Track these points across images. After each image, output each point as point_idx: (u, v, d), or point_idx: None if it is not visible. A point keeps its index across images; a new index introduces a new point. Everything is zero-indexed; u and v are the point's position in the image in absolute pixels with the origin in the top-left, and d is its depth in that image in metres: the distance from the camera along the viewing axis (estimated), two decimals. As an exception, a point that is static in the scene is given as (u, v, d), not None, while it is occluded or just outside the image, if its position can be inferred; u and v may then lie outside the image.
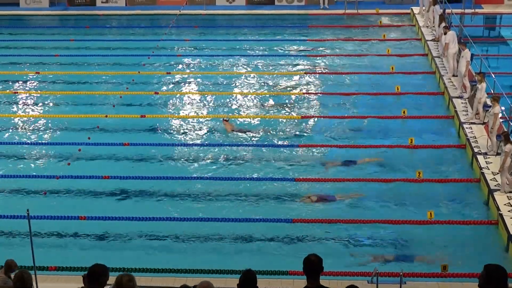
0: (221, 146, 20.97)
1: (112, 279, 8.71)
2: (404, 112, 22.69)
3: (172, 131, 22.29)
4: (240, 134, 21.71)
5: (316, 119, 23.13)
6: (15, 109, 24.60)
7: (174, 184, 18.75)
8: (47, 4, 39.54)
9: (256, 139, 21.65)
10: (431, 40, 29.37)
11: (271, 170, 19.52)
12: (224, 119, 21.83)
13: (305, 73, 27.56)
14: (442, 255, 15.37)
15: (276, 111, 23.96)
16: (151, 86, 26.36)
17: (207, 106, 24.42)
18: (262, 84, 26.55)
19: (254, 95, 25.38)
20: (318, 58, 29.43)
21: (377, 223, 16.60)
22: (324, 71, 27.76)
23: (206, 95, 25.40)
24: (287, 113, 23.70)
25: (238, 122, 22.82)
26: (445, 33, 25.72)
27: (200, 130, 22.38)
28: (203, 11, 37.65)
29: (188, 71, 28.32)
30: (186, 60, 29.80)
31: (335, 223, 16.60)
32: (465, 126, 21.01)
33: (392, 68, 26.94)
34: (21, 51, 31.27)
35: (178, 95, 25.56)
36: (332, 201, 17.71)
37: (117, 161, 20.26)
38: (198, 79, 27.25)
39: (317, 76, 27.28)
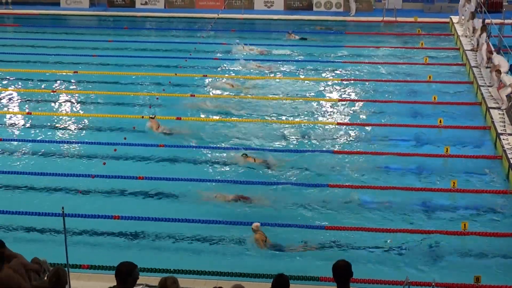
0: (255, 150, 20.97)
1: (143, 279, 8.72)
2: (440, 122, 22.53)
3: (207, 134, 22.31)
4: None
5: (351, 126, 23.03)
6: (52, 107, 24.82)
7: (208, 186, 18.71)
8: (87, 4, 40.02)
9: (290, 145, 21.62)
10: (469, 50, 29.15)
11: (305, 176, 19.48)
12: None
13: (341, 79, 27.49)
14: (475, 265, 15.25)
15: (311, 117, 23.91)
16: (188, 88, 26.45)
17: (242, 110, 24.41)
18: (298, 89, 26.52)
19: (290, 100, 25.36)
20: (354, 65, 29.35)
21: (408, 233, 16.45)
22: (360, 78, 27.67)
23: (241, 99, 25.44)
24: (322, 119, 23.63)
25: (273, 126, 22.85)
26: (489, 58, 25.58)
27: (234, 133, 22.39)
28: (241, 15, 37.80)
29: (224, 74, 28.36)
30: (223, 63, 29.88)
31: (366, 231, 16.48)
32: (502, 137, 20.81)
33: (430, 77, 26.78)
34: (61, 50, 31.65)
35: (214, 98, 25.61)
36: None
37: (152, 162, 20.32)
38: (235, 83, 27.28)
39: (353, 83, 27.20)
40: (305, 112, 24.21)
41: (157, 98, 25.08)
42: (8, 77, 28.06)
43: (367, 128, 22.78)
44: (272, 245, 15.91)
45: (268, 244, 15.90)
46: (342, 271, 8.94)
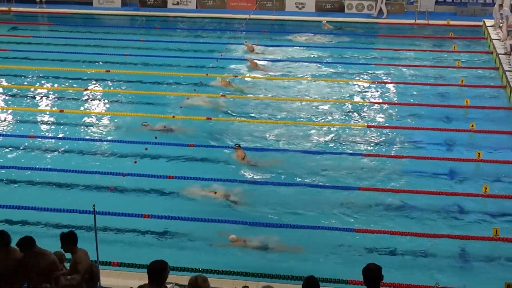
0: (284, 152, 20.95)
1: (172, 277, 8.73)
2: (472, 126, 22.35)
3: (236, 135, 22.33)
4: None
5: (382, 129, 22.93)
6: (84, 106, 24.97)
7: (237, 187, 18.71)
8: (119, 4, 40.22)
9: (320, 147, 21.58)
10: (503, 54, 28.89)
11: (335, 179, 19.43)
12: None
13: (372, 82, 27.39)
14: (506, 272, 15.09)
15: (342, 119, 23.85)
16: (218, 89, 26.50)
17: (273, 111, 24.41)
18: (329, 91, 26.46)
19: (321, 102, 25.30)
20: (386, 67, 29.24)
21: (438, 238, 16.33)
22: (391, 81, 27.56)
23: (272, 101, 25.42)
24: (353, 122, 23.57)
25: (304, 128, 22.82)
26: None
27: (264, 135, 22.37)
28: (272, 16, 37.79)
29: (255, 75, 28.37)
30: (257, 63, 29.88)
31: (396, 235, 16.39)
32: (536, 142, 20.63)
33: (462, 81, 26.60)
34: (93, 49, 31.84)
35: (245, 99, 25.64)
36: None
37: (182, 161, 20.38)
38: (266, 84, 27.29)
39: (385, 86, 27.10)
40: (336, 114, 24.15)
41: (188, 98, 25.13)
42: (41, 75, 28.30)
43: (397, 131, 22.65)
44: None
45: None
46: (373, 274, 8.90)
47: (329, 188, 18.73)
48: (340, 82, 27.50)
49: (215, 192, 18.07)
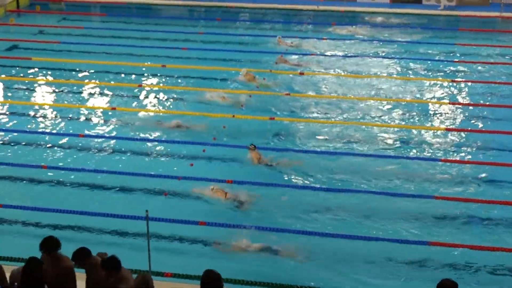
0: (354, 156, 20.93)
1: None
2: (562, 131, 22.04)
3: (302, 136, 22.36)
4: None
5: (462, 132, 22.71)
6: (138, 103, 25.28)
7: (300, 193, 18.73)
8: (181, -7, 40.59)
9: (393, 150, 21.49)
10: None
11: (409, 186, 19.34)
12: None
13: (451, 80, 27.14)
14: None
15: (418, 120, 23.70)
16: (282, 87, 26.58)
17: (341, 110, 24.40)
18: (402, 90, 26.35)
19: (394, 101, 25.19)
20: (466, 64, 28.95)
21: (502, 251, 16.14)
22: (472, 80, 27.27)
23: (340, 99, 25.40)
24: (430, 124, 23.39)
25: (373, 129, 22.74)
26: None
27: (330, 136, 22.36)
28: (342, 8, 37.70)
29: (323, 71, 28.38)
30: (321, 59, 29.89)
31: (473, 249, 16.17)
32: None
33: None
34: (148, 42, 32.27)
35: (311, 97, 25.66)
36: None
37: (242, 164, 20.46)
38: (333, 81, 27.28)
39: (465, 85, 26.83)
40: (410, 115, 24.02)
41: (250, 96, 25.24)
42: (92, 69, 28.76)
43: (478, 135, 22.40)
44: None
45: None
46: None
47: (402, 196, 18.58)
48: (416, 80, 27.34)
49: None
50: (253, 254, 15.97)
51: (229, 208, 18.08)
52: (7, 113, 24.33)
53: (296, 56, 30.00)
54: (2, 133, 22.46)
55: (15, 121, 23.50)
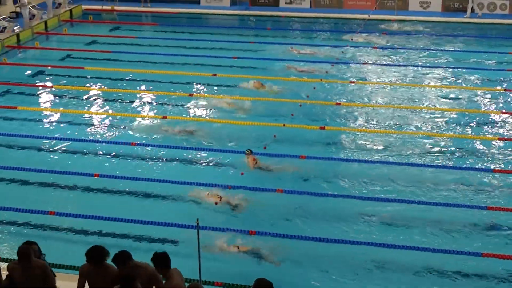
0: (401, 166, 20.75)
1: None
2: None
3: (353, 146, 22.25)
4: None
5: (513, 142, 22.47)
6: (189, 112, 25.32)
7: (350, 204, 18.58)
8: (228, 3, 40.81)
9: (444, 160, 21.27)
10: None
11: (461, 195, 19.11)
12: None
13: (504, 90, 26.81)
14: None
15: (468, 130, 23.45)
16: (333, 96, 26.48)
17: (391, 120, 24.25)
18: (454, 99, 26.11)
19: (444, 111, 24.98)
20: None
21: None
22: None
23: (391, 109, 25.22)
24: (482, 134, 23.13)
25: (419, 140, 22.54)
26: None
27: (380, 147, 22.22)
28: (393, 17, 37.57)
29: (374, 81, 28.24)
30: (373, 69, 29.78)
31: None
32: None
33: None
34: (199, 51, 32.41)
35: (362, 106, 25.53)
36: None
37: (293, 174, 20.34)
38: (385, 90, 27.14)
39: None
40: (461, 125, 23.80)
41: (300, 105, 25.18)
42: (143, 78, 29.00)
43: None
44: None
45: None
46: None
47: (454, 207, 18.31)
48: (466, 89, 27.11)
49: None
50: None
51: (280, 216, 18.03)
52: (60, 121, 24.60)
53: (347, 65, 29.90)
54: (55, 141, 22.69)
55: (67, 130, 23.73)
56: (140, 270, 11.45)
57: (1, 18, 33.75)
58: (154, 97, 26.95)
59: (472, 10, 37.45)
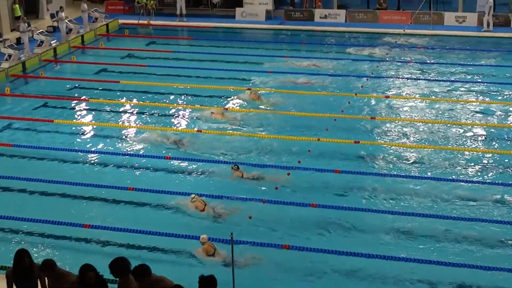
0: (430, 180, 20.60)
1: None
2: None
3: (387, 161, 22.17)
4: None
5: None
6: (224, 126, 25.25)
7: (385, 219, 18.51)
8: (263, 17, 40.96)
9: (468, 175, 21.17)
10: None
11: (488, 210, 19.00)
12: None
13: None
14: None
15: (492, 145, 23.39)
16: (368, 111, 26.44)
17: (426, 135, 24.17)
18: (487, 113, 26.03)
19: (477, 126, 24.97)
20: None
21: None
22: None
23: (426, 123, 25.13)
24: (502, 148, 23.12)
25: (455, 154, 22.43)
26: None
27: (414, 161, 22.11)
28: (429, 31, 37.49)
29: (409, 96, 28.17)
30: (408, 83, 29.70)
31: None
32: None
33: None
34: (234, 65, 32.54)
35: (397, 121, 25.44)
36: None
37: (327, 189, 20.33)
38: (420, 105, 27.06)
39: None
40: (496, 140, 23.76)
41: (335, 120, 25.12)
42: (179, 92, 29.21)
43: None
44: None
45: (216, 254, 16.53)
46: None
47: (484, 222, 18.19)
48: (498, 104, 27.02)
49: None
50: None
51: (313, 230, 18.00)
52: (96, 135, 24.80)
53: (383, 80, 29.87)
54: (91, 155, 22.87)
55: (102, 143, 23.91)
56: (159, 283, 11.49)
57: (7, 46, 33.43)
58: (189, 111, 27.02)
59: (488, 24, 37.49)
